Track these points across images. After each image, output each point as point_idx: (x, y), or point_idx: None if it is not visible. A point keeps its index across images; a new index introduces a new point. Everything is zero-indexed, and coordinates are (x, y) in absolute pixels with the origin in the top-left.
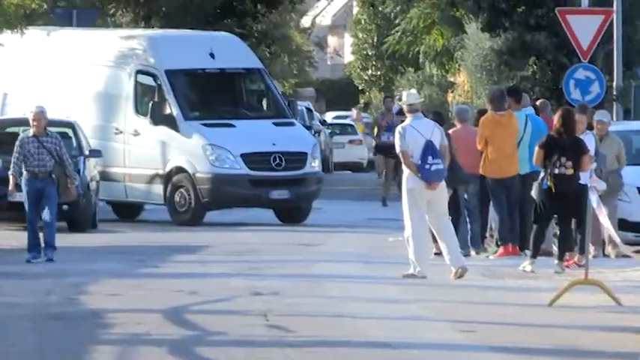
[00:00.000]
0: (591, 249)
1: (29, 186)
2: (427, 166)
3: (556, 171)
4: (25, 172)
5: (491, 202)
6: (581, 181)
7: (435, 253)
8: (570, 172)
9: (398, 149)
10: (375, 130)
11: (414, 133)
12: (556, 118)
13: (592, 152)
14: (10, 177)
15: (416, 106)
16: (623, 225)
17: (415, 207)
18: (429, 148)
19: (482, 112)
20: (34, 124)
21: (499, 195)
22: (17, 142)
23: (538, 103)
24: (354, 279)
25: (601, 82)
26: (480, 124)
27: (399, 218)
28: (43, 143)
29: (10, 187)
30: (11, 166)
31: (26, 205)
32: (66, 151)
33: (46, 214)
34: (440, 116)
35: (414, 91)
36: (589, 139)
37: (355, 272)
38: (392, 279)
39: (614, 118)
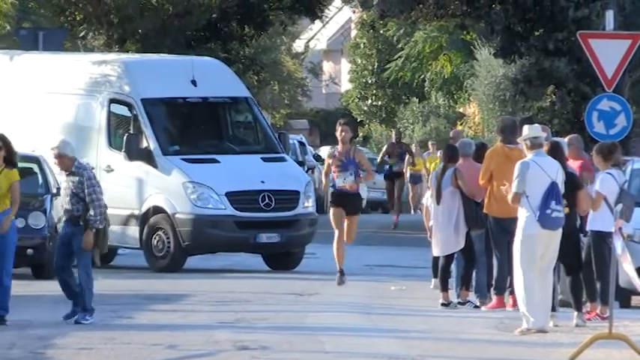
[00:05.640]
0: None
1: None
2: (548, 211)
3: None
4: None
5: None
6: (600, 227)
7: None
8: (565, 210)
9: (514, 188)
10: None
11: (537, 171)
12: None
13: (605, 190)
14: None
15: (540, 141)
16: None
17: (529, 253)
18: (553, 191)
19: (481, 147)
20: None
21: (500, 237)
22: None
23: (567, 139)
24: (352, 332)
25: (627, 113)
26: (485, 157)
27: (400, 265)
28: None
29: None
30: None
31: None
32: (96, 189)
33: (81, 275)
34: (454, 151)
35: (537, 125)
36: (606, 178)
37: (354, 324)
38: (395, 332)
39: None
